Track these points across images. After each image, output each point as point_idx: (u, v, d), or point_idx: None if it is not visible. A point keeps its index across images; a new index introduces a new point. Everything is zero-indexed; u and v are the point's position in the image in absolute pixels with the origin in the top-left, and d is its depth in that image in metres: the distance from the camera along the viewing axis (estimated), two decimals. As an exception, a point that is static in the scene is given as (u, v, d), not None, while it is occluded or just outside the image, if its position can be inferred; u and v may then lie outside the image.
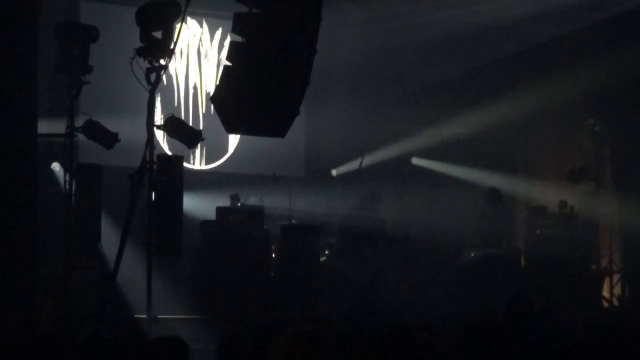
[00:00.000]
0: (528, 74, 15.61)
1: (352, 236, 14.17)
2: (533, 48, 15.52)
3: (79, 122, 11.12)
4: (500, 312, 7.90)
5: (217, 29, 17.17)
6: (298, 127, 12.29)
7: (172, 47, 10.03)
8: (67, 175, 11.00)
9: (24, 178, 9.81)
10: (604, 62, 14.19)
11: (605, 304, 14.35)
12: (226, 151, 17.22)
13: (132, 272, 10.72)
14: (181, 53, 16.81)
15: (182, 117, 14.94)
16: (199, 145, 12.63)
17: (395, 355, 4.79)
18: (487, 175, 16.27)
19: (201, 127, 14.40)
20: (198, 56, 17.16)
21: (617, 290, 14.60)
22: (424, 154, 17.48)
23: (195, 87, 17.11)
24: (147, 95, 10.13)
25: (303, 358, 4.31)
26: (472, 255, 14.40)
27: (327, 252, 14.08)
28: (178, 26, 10.10)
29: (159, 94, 14.01)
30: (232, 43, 8.69)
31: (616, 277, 14.69)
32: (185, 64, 17.01)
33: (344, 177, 17.34)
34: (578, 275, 13.89)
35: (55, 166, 12.55)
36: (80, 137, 11.29)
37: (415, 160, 17.63)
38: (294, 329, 4.43)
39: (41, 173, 11.31)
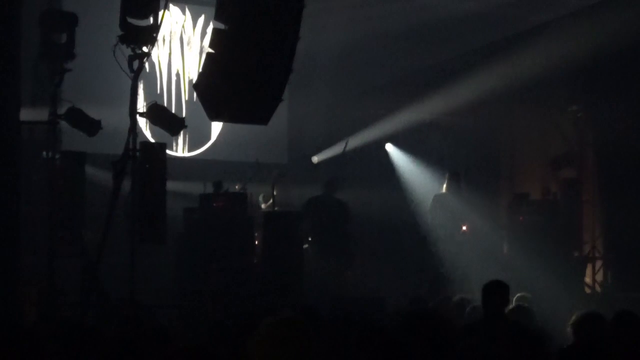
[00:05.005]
0: (510, 60, 15.60)
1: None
2: (516, 34, 15.52)
3: (62, 109, 11.09)
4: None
5: (200, 16, 17.15)
6: (281, 114, 12.27)
7: (154, 34, 10.03)
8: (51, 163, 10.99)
9: (7, 166, 9.78)
10: (588, 49, 14.20)
11: (588, 290, 14.39)
12: (209, 138, 17.23)
13: (115, 260, 10.70)
14: (164, 40, 16.79)
15: (165, 105, 14.93)
16: (181, 132, 12.62)
17: (377, 343, 4.80)
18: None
19: (184, 115, 14.44)
20: (181, 43, 17.14)
21: (599, 277, 14.64)
22: (403, 140, 17.47)
23: (177, 75, 17.08)
24: (129, 82, 10.11)
25: (282, 346, 4.31)
26: None
27: (310, 238, 14.06)
28: (161, 13, 10.09)
29: (142, 82, 13.96)
30: (214, 30, 8.68)
31: (599, 263, 14.73)
32: (168, 51, 16.99)
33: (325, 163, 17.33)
34: (561, 261, 13.91)
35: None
36: (63, 124, 11.26)
37: (390, 148, 17.64)
38: (273, 317, 4.43)
39: (25, 161, 11.27)
